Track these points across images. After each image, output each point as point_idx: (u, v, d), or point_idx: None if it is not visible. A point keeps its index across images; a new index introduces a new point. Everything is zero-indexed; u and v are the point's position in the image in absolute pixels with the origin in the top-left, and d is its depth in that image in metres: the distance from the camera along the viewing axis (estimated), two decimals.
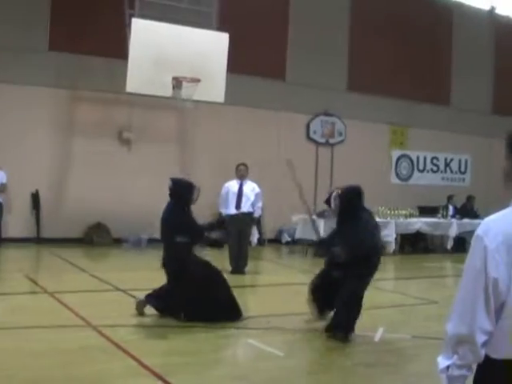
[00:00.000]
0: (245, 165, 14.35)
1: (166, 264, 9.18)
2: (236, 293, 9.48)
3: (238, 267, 13.76)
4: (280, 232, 20.48)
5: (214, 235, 9.83)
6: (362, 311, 8.63)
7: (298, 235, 18.43)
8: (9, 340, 7.65)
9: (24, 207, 17.46)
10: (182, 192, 9.26)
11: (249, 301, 11.18)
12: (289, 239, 19.87)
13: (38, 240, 17.25)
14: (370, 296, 10.52)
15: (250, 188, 14.09)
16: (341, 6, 21.86)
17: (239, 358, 7.78)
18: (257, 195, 14.11)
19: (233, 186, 14.08)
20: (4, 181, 16.85)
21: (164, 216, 9.24)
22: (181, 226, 9.08)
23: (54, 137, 17.60)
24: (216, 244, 9.32)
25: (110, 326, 8.31)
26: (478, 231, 2.72)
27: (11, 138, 17.04)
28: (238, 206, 13.88)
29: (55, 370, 6.55)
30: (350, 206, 8.67)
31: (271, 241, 20.50)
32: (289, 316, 9.63)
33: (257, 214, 14.49)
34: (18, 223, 17.30)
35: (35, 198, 17.48)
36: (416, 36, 23.01)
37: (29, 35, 17.27)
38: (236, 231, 13.87)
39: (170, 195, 9.36)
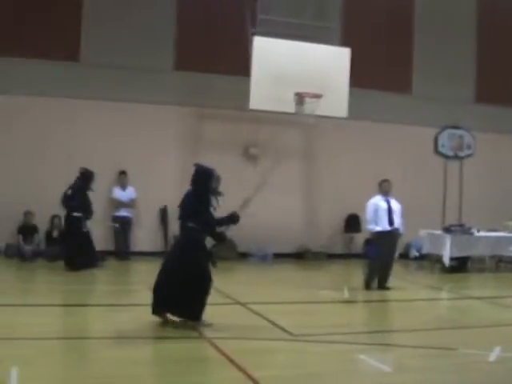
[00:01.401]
0: (388, 181, 14.28)
1: (175, 246, 9.52)
2: (358, 307, 9.39)
3: (384, 283, 13.86)
4: (408, 246, 20.21)
5: (223, 228, 9.69)
6: (480, 329, 8.39)
7: (425, 250, 18.16)
8: (120, 349, 7.94)
9: (152, 222, 18.03)
10: (200, 179, 9.30)
11: (367, 316, 11.16)
12: (417, 254, 19.57)
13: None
14: (490, 313, 10.32)
15: (396, 204, 14.09)
16: (467, 16, 21.43)
17: (345, 373, 7.75)
18: (401, 211, 14.13)
19: (380, 202, 14.00)
20: (134, 196, 17.51)
21: (182, 200, 9.36)
22: (193, 213, 9.11)
23: (181, 154, 18.08)
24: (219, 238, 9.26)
25: (222, 339, 8.47)
26: None
27: (141, 155, 17.67)
28: (391, 223, 13.82)
29: (168, 378, 6.78)
30: None
31: (399, 256, 20.25)
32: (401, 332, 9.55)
33: (402, 230, 14.36)
34: (147, 237, 17.89)
35: (163, 214, 18.02)
36: None
37: (156, 56, 17.92)
38: (388, 247, 13.86)
39: (192, 181, 9.40)
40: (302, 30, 16.48)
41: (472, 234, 17.57)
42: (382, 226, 13.76)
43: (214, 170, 9.50)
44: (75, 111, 17.45)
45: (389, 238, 13.79)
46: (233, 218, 9.66)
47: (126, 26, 17.85)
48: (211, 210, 9.34)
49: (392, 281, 14.07)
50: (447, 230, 17.48)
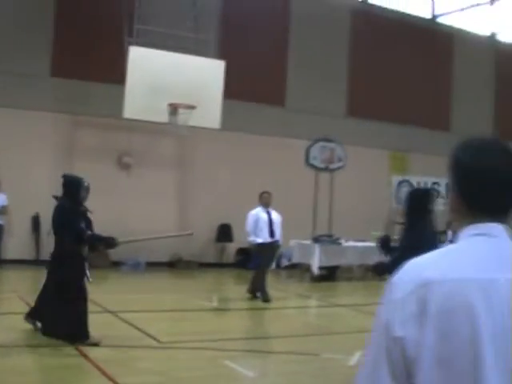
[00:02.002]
0: (268, 192, 14.44)
1: (51, 260, 9.37)
2: (228, 315, 9.58)
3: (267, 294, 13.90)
4: (279, 256, 20.61)
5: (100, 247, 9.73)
6: (342, 335, 8.70)
7: (295, 259, 18.64)
8: None
9: (24, 230, 17.81)
10: (69, 189, 9.22)
11: (236, 323, 11.43)
12: (287, 263, 20.02)
13: (37, 262, 17.53)
14: (354, 319, 10.72)
15: (276, 216, 14.25)
16: (340, 33, 22.22)
17: (211, 378, 7.96)
18: (281, 223, 14.35)
19: (261, 213, 14.08)
20: (5, 203, 17.21)
21: (53, 214, 9.24)
22: (65, 225, 9.02)
23: (55, 161, 17.93)
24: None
25: (90, 346, 8.55)
26: (394, 276, 2.17)
27: (12, 162, 17.39)
28: (271, 234, 13.98)
29: None
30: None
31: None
32: (269, 339, 9.85)
33: (281, 241, 14.66)
34: (18, 245, 17.64)
35: (35, 221, 17.82)
36: (416, 61, 23.29)
37: (32, 61, 17.72)
38: (268, 258, 14.12)
39: (62, 193, 9.29)
40: (180, 42, 16.66)
41: (340, 244, 18.21)
42: (263, 237, 13.90)
43: (83, 179, 9.43)
44: None
45: (269, 249, 14.02)
46: (110, 243, 9.60)
47: (2, 29, 17.55)
48: (87, 217, 9.30)
49: None
50: (316, 240, 18.05)
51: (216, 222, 19.90)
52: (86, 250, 9.25)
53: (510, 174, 2.21)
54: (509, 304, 2.06)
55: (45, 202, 17.80)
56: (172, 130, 16.27)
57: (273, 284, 17.04)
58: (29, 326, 9.37)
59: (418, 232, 7.51)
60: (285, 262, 20.14)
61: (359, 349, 9.13)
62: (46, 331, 8.97)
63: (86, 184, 9.34)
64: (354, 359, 8.65)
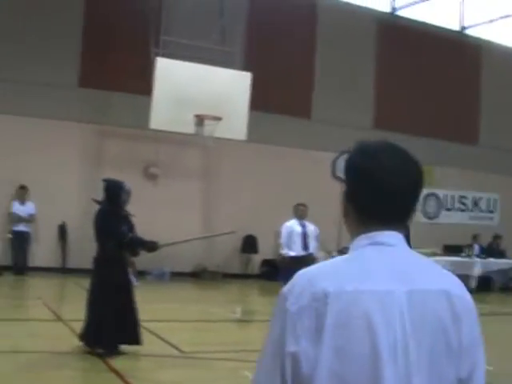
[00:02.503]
0: (304, 205, 14.15)
1: (93, 265, 9.18)
2: (251, 327, 9.54)
3: None
4: None
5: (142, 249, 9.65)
6: None
7: None
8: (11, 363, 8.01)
9: (51, 238, 17.98)
10: (112, 193, 9.14)
11: (258, 335, 11.43)
12: None
13: (63, 270, 17.72)
14: None
15: (312, 229, 13.92)
16: (366, 44, 22.19)
17: None
18: (317, 237, 14.02)
19: (295, 226, 13.72)
20: (33, 212, 17.43)
21: (94, 220, 9.11)
22: (106, 229, 8.92)
23: (82, 170, 18.11)
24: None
25: (114, 355, 8.62)
26: (284, 287, 2.10)
27: (41, 171, 17.58)
28: (305, 247, 13.61)
29: None
30: None
31: None
32: None
33: (317, 255, 14.10)
34: (45, 253, 17.82)
35: (62, 229, 17.99)
36: (443, 74, 23.18)
37: (60, 71, 17.95)
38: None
39: (104, 197, 9.22)
40: (206, 53, 16.77)
41: None
42: (296, 250, 13.48)
43: (124, 182, 9.37)
44: None
45: (301, 262, 13.59)
46: (151, 247, 9.47)
47: (31, 40, 17.76)
48: (129, 221, 9.23)
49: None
50: (341, 251, 18.00)
51: (241, 233, 19.92)
52: (125, 253, 9.19)
53: (402, 179, 2.12)
54: (405, 317, 1.99)
55: (71, 211, 18.14)
56: (198, 141, 16.35)
57: None
58: (51, 332, 9.44)
59: None
60: None
61: None
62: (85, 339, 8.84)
63: (127, 188, 9.30)
64: None
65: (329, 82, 21.33)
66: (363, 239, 2.10)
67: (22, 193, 17.54)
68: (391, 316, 1.97)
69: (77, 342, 8.86)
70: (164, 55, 16.36)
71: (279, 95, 20.06)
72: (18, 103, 17.44)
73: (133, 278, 9.18)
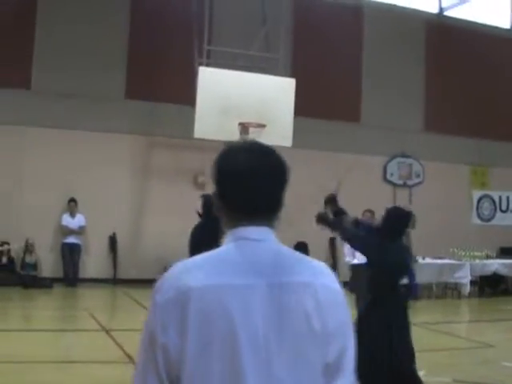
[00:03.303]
0: (371, 211, 13.88)
1: None
2: None
3: None
4: None
5: None
6: None
7: None
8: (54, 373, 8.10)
9: (102, 249, 18.15)
10: (210, 209, 8.73)
11: None
12: None
13: (115, 281, 17.85)
14: (421, 338, 10.54)
15: None
16: (415, 46, 21.90)
17: None
18: None
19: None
20: (83, 224, 17.65)
21: (192, 236, 9.20)
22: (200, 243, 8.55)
23: (132, 182, 18.27)
24: None
25: None
26: (158, 281, 2.19)
27: (91, 183, 17.77)
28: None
29: None
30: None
31: None
32: None
33: None
34: (96, 264, 18.00)
35: (112, 241, 18.15)
36: (494, 73, 22.73)
37: (107, 84, 18.16)
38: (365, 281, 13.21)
39: (203, 213, 9.32)
40: (250, 61, 16.79)
41: (417, 261, 17.87)
42: (360, 258, 12.33)
43: None
44: (25, 139, 17.54)
45: (365, 271, 13.08)
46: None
47: (78, 55, 18.03)
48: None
49: None
50: None
51: (291, 240, 19.79)
52: None
53: (261, 176, 2.20)
54: (264, 311, 2.07)
55: (121, 222, 18.30)
56: None
57: None
58: (94, 342, 9.51)
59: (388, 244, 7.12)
60: None
61: (422, 368, 8.97)
62: None
63: None
64: None
65: (378, 85, 21.09)
66: (230, 235, 2.22)
67: (71, 206, 17.76)
68: (251, 309, 2.06)
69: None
70: (208, 64, 16.41)
71: (326, 100, 19.91)
72: (67, 117, 17.68)
73: None
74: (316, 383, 2.12)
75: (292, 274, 2.15)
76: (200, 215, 9.62)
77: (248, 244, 2.18)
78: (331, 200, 8.21)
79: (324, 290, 2.16)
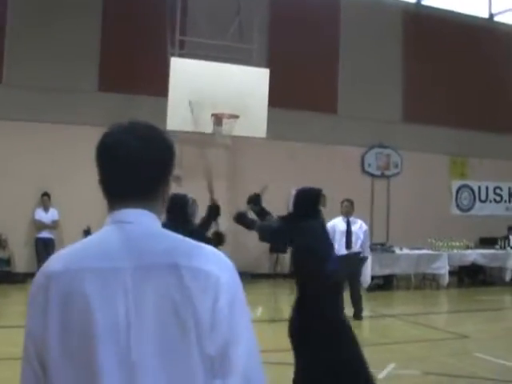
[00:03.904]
0: (349, 201, 13.76)
1: None
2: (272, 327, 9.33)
3: (357, 312, 12.86)
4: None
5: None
6: (380, 346, 8.47)
7: None
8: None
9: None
10: (176, 207, 8.20)
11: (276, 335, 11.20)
12: None
13: None
14: (396, 330, 10.40)
15: (358, 226, 13.43)
16: (392, 35, 21.73)
17: None
18: (365, 233, 13.45)
19: (339, 223, 13.26)
20: (56, 218, 17.42)
21: None
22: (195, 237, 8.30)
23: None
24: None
25: None
26: None
27: (64, 177, 17.56)
28: (348, 246, 13.04)
29: None
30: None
31: None
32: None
33: (367, 254, 13.65)
34: None
35: (87, 235, 17.82)
36: (474, 62, 22.62)
37: (80, 77, 17.95)
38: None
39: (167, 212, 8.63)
40: (224, 52, 16.59)
41: (393, 252, 17.80)
42: (339, 249, 12.47)
43: (187, 195, 8.70)
44: None
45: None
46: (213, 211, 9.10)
47: (50, 48, 17.78)
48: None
49: None
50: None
51: None
52: None
53: (132, 156, 2.10)
54: (128, 296, 1.96)
55: (96, 216, 17.86)
56: (217, 140, 16.16)
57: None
58: None
59: (308, 225, 6.92)
60: None
61: (393, 361, 8.87)
62: None
63: (191, 200, 8.67)
64: (383, 372, 8.35)
65: (355, 75, 20.94)
66: (108, 218, 2.16)
67: (44, 200, 17.52)
68: (113, 294, 1.97)
69: None
70: (182, 55, 16.23)
71: (302, 91, 19.74)
72: (39, 110, 17.46)
73: None
74: (189, 373, 1.98)
75: (159, 256, 2.03)
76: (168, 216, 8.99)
77: (118, 227, 2.09)
78: (253, 200, 8.01)
79: (193, 274, 2.01)
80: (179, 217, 8.29)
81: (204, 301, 1.99)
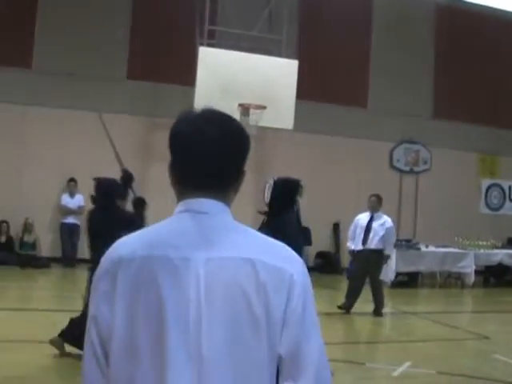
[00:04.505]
0: (377, 196, 13.57)
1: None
2: None
3: (377, 309, 12.80)
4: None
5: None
6: (398, 343, 8.38)
7: None
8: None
9: None
10: (105, 193, 8.58)
11: None
12: None
13: None
14: (416, 328, 10.29)
15: (381, 222, 13.14)
16: (425, 31, 21.48)
17: None
18: (388, 230, 13.15)
19: (363, 218, 13.18)
20: (82, 204, 17.47)
21: (90, 224, 8.57)
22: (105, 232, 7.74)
23: (132, 162, 17.39)
24: None
25: None
26: None
27: (91, 164, 17.59)
28: (364, 242, 12.89)
29: None
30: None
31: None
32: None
33: (388, 252, 13.31)
34: None
35: None
36: (506, 58, 22.27)
37: (109, 65, 18.02)
38: (361, 269, 12.93)
39: (96, 197, 8.62)
40: (253, 42, 16.49)
41: (419, 249, 17.61)
42: (356, 244, 12.95)
43: (116, 180, 8.88)
44: (26, 118, 17.44)
45: (360, 257, 12.94)
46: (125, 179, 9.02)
47: (80, 35, 17.84)
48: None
49: (336, 295, 13.93)
50: (394, 245, 17.50)
51: None
52: None
53: (209, 144, 2.06)
54: (200, 285, 1.91)
55: None
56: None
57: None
58: None
59: (282, 218, 7.02)
60: None
61: (409, 359, 8.77)
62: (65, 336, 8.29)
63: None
64: (399, 370, 8.26)
65: (386, 70, 20.74)
66: (180, 206, 2.09)
67: (71, 185, 17.63)
68: (184, 284, 1.92)
69: None
70: (211, 45, 16.15)
71: (332, 84, 19.62)
72: (67, 97, 17.56)
73: None
74: (258, 375, 1.94)
75: (234, 249, 1.99)
76: (95, 200, 8.75)
77: (192, 216, 2.05)
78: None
79: (269, 270, 1.97)
80: (107, 201, 8.46)
81: (278, 298, 1.95)
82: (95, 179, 8.92)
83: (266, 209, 7.51)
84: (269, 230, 6.92)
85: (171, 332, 1.89)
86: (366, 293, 16.39)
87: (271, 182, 7.54)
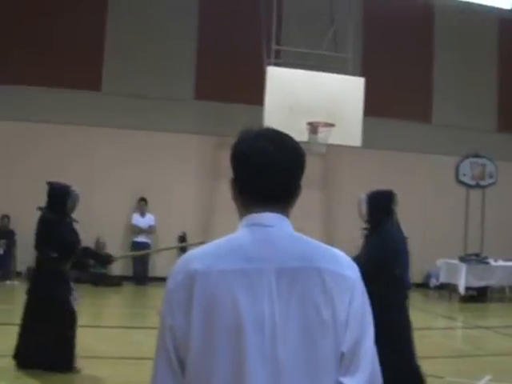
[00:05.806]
0: None
1: (32, 278, 8.39)
2: None
3: None
4: (428, 275, 20.06)
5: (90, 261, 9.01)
6: (475, 357, 8.39)
7: (442, 279, 18.10)
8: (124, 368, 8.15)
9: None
10: (56, 198, 8.32)
11: None
12: (436, 283, 19.38)
13: None
14: (488, 342, 10.27)
15: None
16: (488, 44, 21.39)
17: None
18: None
19: None
20: (153, 223, 17.82)
21: (37, 226, 8.27)
22: (51, 238, 8.06)
23: (201, 181, 18.32)
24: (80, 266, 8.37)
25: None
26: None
27: (161, 183, 17.96)
28: None
29: None
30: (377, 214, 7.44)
31: (419, 285, 20.04)
32: None
33: None
34: (165, 263, 18.05)
35: (182, 240, 18.23)
36: None
37: (177, 85, 18.36)
38: None
39: (47, 202, 8.35)
40: (318, 61, 16.64)
41: (488, 263, 17.52)
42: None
43: (71, 187, 8.56)
44: (96, 139, 17.84)
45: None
46: (106, 260, 9.41)
47: (148, 56, 18.28)
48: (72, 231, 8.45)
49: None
50: (463, 259, 17.48)
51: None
52: (68, 266, 8.36)
53: (274, 162, 2.20)
54: (272, 296, 2.08)
55: (191, 222, 18.39)
56: (312, 148, 16.23)
57: (419, 304, 16.64)
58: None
59: (384, 230, 7.21)
60: (434, 282, 19.53)
61: (488, 373, 8.78)
62: (21, 360, 8.00)
63: (74, 193, 8.51)
64: (480, 383, 8.28)
65: (449, 84, 20.72)
66: (243, 221, 2.26)
67: (141, 205, 17.97)
68: (259, 295, 2.08)
69: None
70: (277, 64, 16.37)
71: (397, 99, 19.66)
72: (137, 118, 17.92)
73: (75, 294, 8.20)
74: (326, 374, 2.11)
75: (302, 259, 2.16)
76: (41, 209, 8.49)
77: (259, 230, 2.21)
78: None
79: (334, 277, 2.15)
80: (58, 207, 8.25)
81: (342, 302, 2.13)
82: (47, 183, 8.64)
83: (362, 224, 7.60)
84: (375, 243, 7.14)
85: (249, 341, 2.05)
86: (436, 307, 16.41)
87: (363, 197, 7.58)
